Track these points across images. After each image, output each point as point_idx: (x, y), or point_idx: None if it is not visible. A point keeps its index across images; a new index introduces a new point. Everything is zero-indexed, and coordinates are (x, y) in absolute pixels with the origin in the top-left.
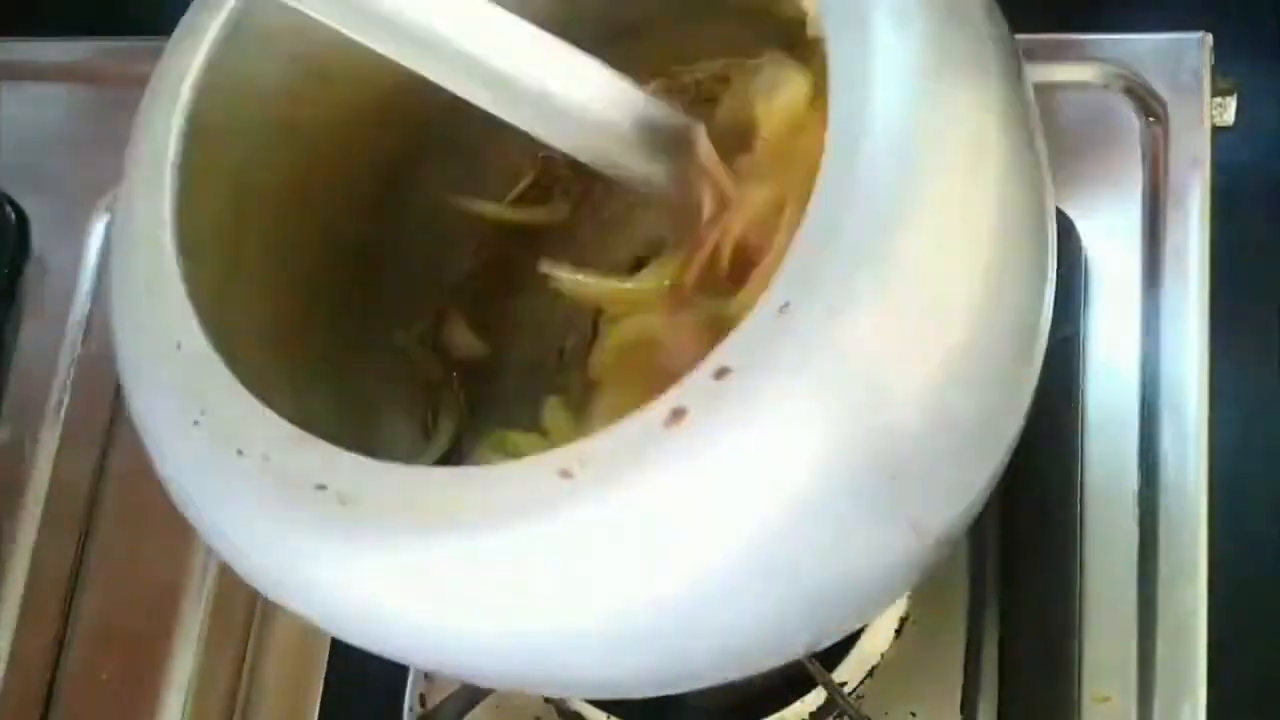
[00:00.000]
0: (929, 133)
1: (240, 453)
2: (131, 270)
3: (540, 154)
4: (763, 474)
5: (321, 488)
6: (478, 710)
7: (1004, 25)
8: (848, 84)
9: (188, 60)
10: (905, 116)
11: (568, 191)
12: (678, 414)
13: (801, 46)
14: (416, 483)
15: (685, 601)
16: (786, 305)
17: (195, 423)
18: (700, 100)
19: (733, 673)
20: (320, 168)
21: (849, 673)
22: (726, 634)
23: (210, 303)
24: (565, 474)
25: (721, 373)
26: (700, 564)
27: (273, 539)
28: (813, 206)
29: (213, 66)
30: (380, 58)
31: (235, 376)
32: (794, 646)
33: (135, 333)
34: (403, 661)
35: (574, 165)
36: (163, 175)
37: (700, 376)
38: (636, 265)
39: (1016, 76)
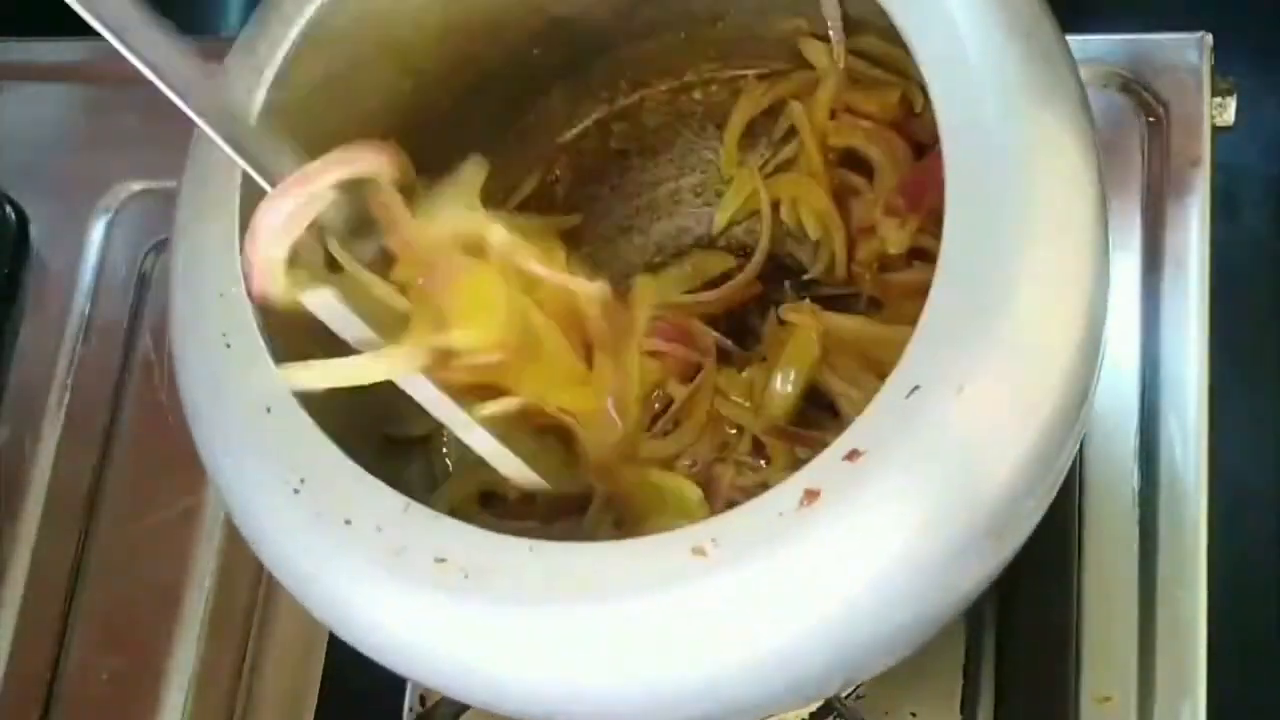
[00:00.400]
0: (1035, 212)
1: (349, 523)
2: (203, 317)
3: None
4: (886, 545)
5: (441, 561)
6: (473, 710)
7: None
8: (964, 169)
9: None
10: (1017, 205)
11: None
12: (811, 495)
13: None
14: (538, 557)
15: (797, 656)
16: (916, 389)
17: (295, 491)
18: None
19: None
20: None
21: None
22: (814, 682)
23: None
24: (699, 551)
25: (853, 454)
26: (817, 624)
27: (392, 610)
28: (935, 291)
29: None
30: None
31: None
32: (862, 677)
33: (214, 388)
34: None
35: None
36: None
37: (831, 458)
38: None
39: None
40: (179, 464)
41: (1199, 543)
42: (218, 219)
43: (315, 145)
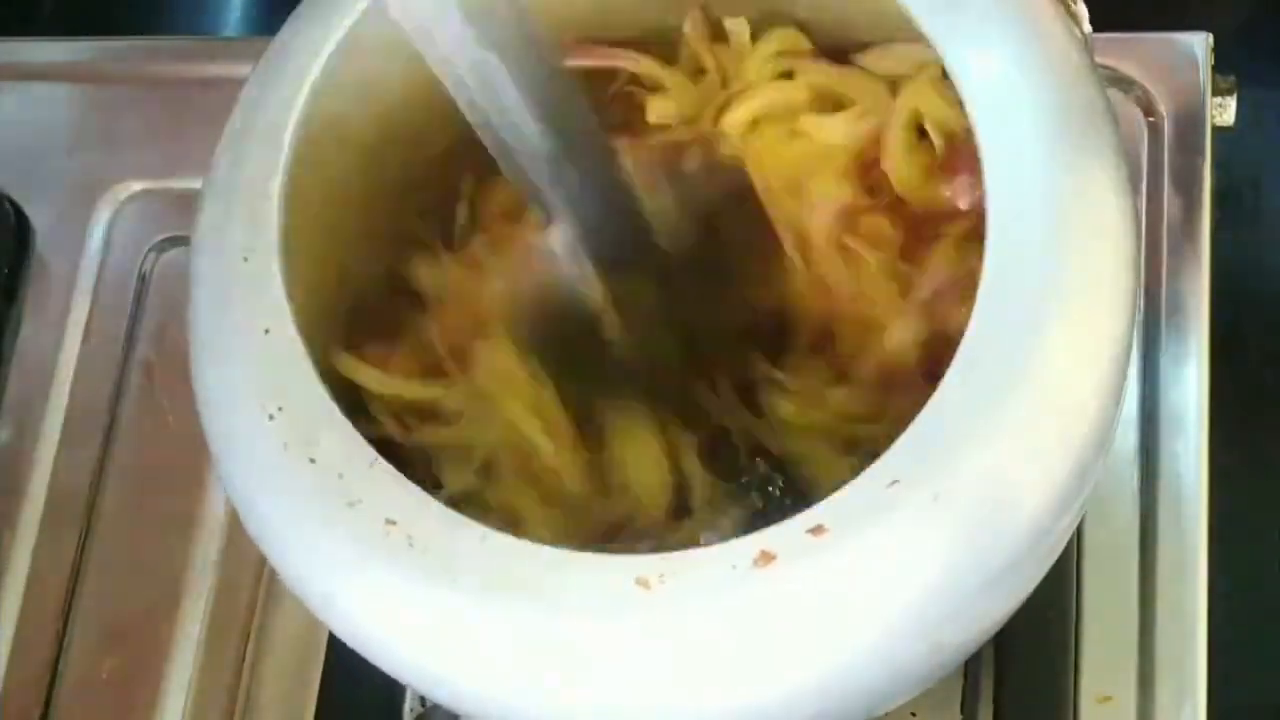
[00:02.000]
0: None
1: (313, 461)
2: (228, 229)
3: None
4: (828, 625)
5: (391, 523)
6: None
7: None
8: (1006, 249)
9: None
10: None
11: None
12: (766, 556)
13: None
14: (486, 546)
15: (701, 713)
16: (895, 482)
17: (270, 417)
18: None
19: None
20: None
21: None
22: None
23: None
24: (642, 583)
25: (818, 529)
26: (733, 688)
27: (327, 558)
28: (948, 385)
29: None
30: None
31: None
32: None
33: (221, 298)
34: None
35: None
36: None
37: (796, 527)
38: None
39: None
40: (179, 464)
41: (1199, 543)
42: (266, 139)
43: None
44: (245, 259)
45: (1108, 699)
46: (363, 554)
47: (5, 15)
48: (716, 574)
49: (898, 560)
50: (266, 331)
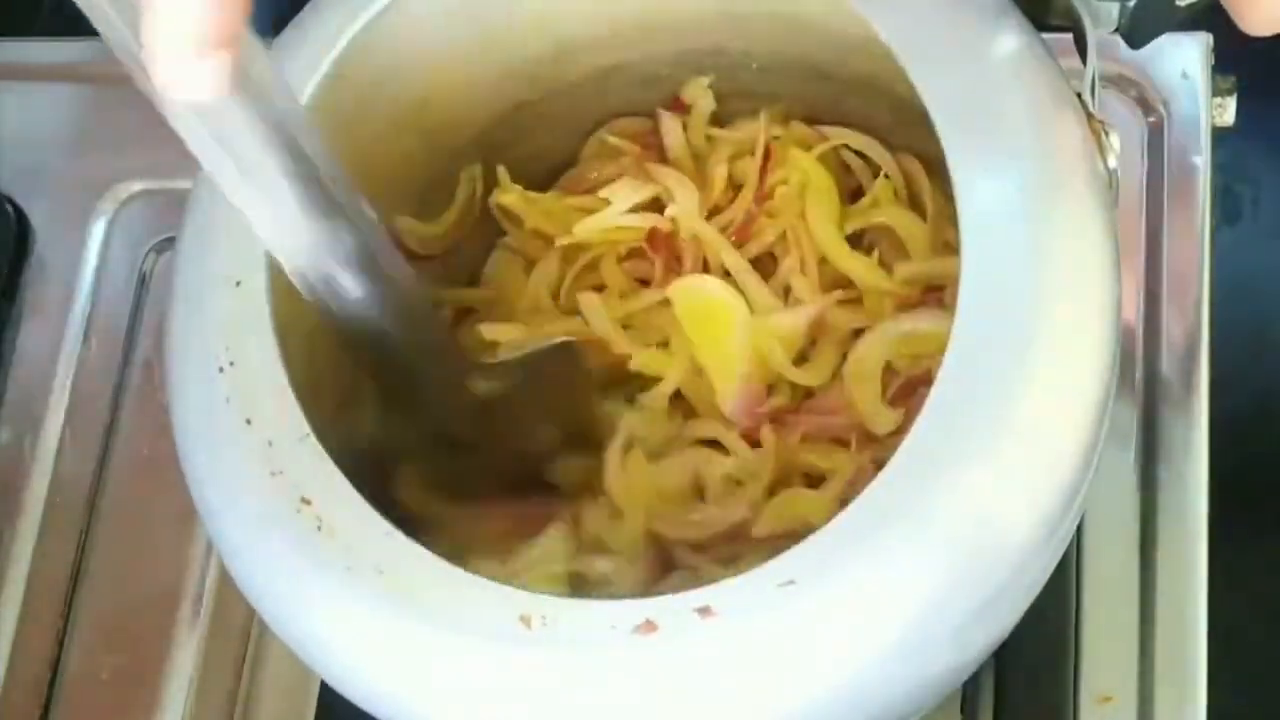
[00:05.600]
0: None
1: (249, 422)
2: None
3: None
4: (715, 704)
5: (306, 502)
6: None
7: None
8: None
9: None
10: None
11: None
12: (649, 625)
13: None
14: (394, 553)
15: None
16: (790, 583)
17: (220, 370)
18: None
19: None
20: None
21: None
22: None
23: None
24: (525, 620)
25: (704, 611)
26: None
27: (231, 515)
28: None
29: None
30: None
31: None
32: None
33: (199, 244)
34: None
35: None
36: None
37: (682, 603)
38: None
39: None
40: (179, 464)
41: (1199, 543)
42: None
43: None
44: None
45: (1108, 699)
46: (271, 531)
47: (5, 15)
48: (595, 631)
49: (779, 654)
50: (238, 284)
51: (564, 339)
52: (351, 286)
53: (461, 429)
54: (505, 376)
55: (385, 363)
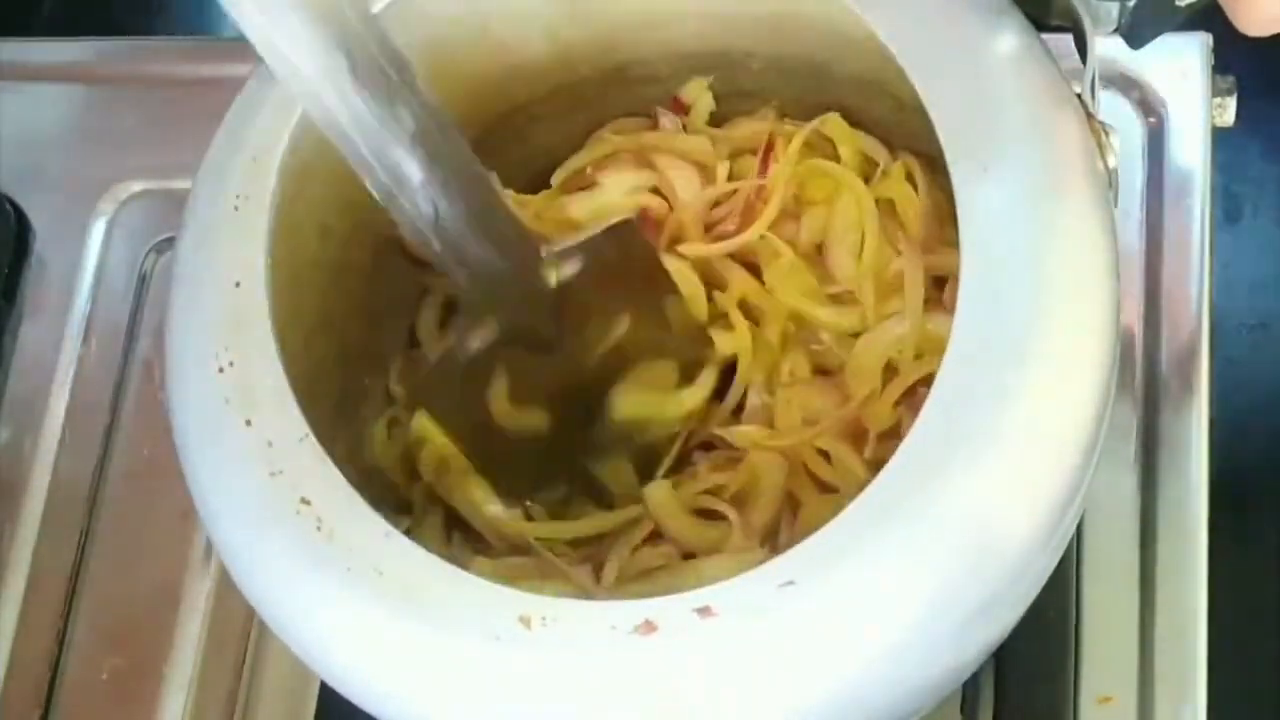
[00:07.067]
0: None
1: (249, 424)
2: (227, 177)
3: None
4: (716, 705)
5: (306, 503)
6: None
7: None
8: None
9: None
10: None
11: None
12: (649, 626)
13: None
14: (391, 552)
15: None
16: (790, 583)
17: (221, 370)
18: None
19: None
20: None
21: None
22: None
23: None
24: (524, 620)
25: (704, 611)
26: None
27: (230, 512)
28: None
29: None
30: None
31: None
32: None
33: (202, 241)
34: None
35: None
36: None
37: (682, 604)
38: None
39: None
40: (179, 464)
41: (1199, 543)
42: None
43: None
44: (236, 209)
45: (1108, 699)
46: (271, 532)
47: (5, 15)
48: (595, 632)
49: (779, 654)
50: (237, 285)
51: (622, 218)
52: (415, 171)
53: (540, 324)
54: (572, 262)
55: (461, 261)
